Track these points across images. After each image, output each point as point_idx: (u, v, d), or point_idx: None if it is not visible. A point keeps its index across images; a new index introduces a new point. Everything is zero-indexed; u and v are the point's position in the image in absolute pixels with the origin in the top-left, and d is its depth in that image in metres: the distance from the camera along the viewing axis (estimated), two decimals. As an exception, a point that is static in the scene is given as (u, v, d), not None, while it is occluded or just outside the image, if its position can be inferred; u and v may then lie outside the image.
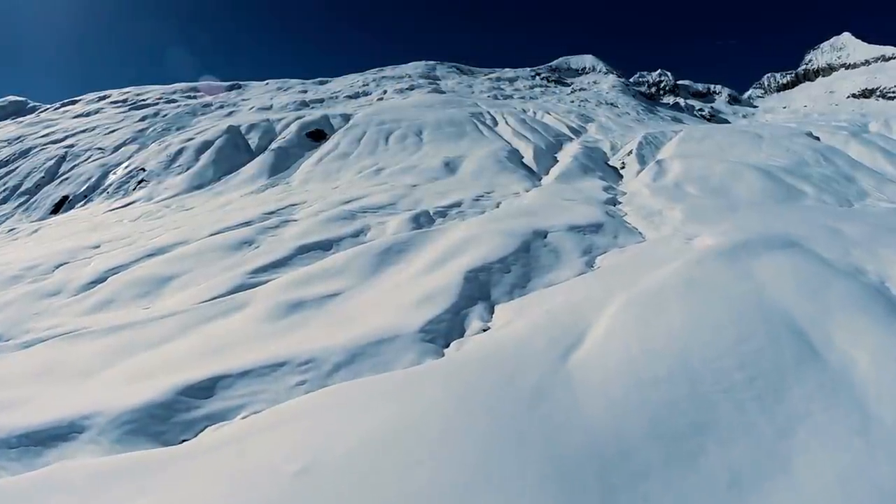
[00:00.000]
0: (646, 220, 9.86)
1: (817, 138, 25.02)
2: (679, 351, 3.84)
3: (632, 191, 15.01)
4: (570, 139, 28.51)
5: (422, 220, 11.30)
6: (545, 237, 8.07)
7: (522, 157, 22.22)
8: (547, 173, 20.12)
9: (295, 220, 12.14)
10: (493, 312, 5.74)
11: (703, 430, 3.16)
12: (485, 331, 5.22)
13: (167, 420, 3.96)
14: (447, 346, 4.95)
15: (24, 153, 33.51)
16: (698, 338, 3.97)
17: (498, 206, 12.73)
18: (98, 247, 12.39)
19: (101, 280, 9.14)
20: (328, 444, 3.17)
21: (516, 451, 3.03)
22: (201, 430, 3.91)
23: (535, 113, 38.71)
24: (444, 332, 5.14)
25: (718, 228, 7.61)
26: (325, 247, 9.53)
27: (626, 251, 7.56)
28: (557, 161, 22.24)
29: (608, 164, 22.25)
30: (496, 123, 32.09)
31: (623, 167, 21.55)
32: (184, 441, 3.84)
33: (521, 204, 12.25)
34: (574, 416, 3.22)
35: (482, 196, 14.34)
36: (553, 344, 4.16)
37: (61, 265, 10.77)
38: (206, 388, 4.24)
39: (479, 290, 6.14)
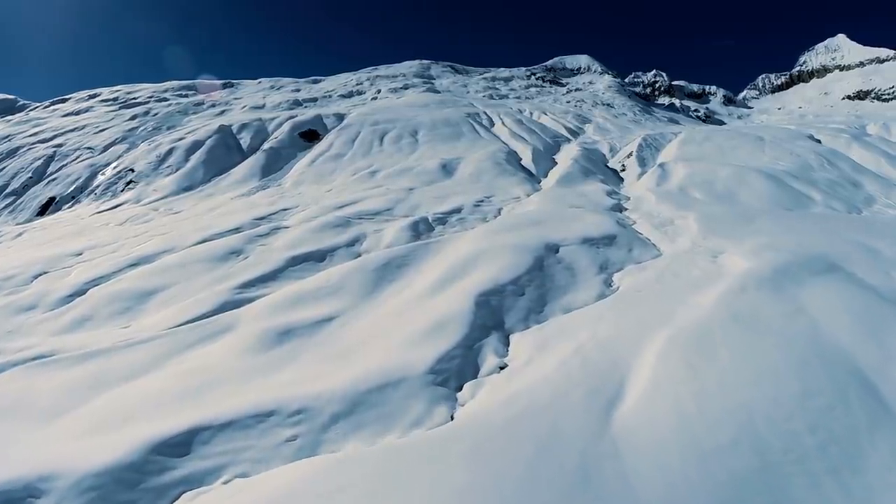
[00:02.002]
0: (659, 231, 9.32)
1: (818, 141, 24.67)
2: (740, 409, 3.27)
3: (636, 195, 14.51)
4: (568, 140, 28.06)
5: (421, 228, 10.76)
6: (557, 252, 7.47)
7: (521, 159, 21.70)
8: (546, 176, 19.62)
9: (286, 227, 11.57)
10: (508, 344, 5.15)
11: (777, 515, 2.62)
12: (502, 368, 4.63)
13: (137, 486, 3.35)
14: (460, 388, 4.36)
15: (12, 153, 32.64)
16: (760, 392, 3.39)
17: (500, 213, 12.21)
18: (81, 254, 11.85)
19: (80, 293, 8.68)
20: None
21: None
22: (176, 499, 3.32)
23: (531, 113, 38.22)
24: (455, 370, 4.53)
25: (744, 245, 7.05)
26: (318, 258, 8.99)
27: (644, 268, 7.00)
28: (556, 163, 21.75)
29: (608, 167, 21.79)
30: (493, 124, 31.54)
31: (623, 170, 21.10)
32: (156, 511, 3.27)
33: (526, 212, 11.69)
34: (628, 501, 2.65)
35: (483, 201, 13.81)
36: (592, 398, 3.54)
37: (40, 275, 10.27)
38: (182, 444, 3.62)
39: (492, 316, 5.52)
